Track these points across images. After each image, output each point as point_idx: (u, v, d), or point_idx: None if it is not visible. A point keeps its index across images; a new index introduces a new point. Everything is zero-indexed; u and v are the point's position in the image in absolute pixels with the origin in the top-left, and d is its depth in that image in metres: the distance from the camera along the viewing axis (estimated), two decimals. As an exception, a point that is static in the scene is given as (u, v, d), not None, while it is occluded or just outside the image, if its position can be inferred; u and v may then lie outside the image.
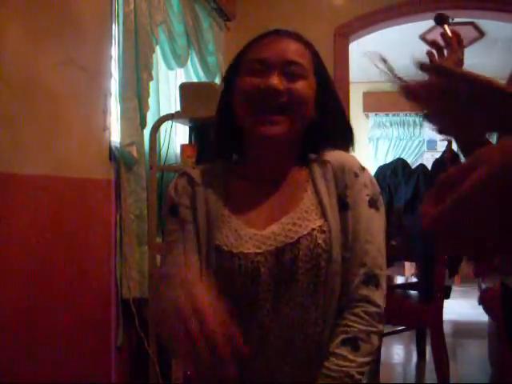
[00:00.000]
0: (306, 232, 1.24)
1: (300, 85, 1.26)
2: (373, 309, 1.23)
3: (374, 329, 1.23)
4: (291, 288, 1.23)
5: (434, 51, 1.48)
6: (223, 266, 1.25)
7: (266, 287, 1.23)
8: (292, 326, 1.23)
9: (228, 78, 1.35)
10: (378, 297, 1.25)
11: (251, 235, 1.26)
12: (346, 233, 1.27)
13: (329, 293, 1.24)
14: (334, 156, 1.34)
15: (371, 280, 1.25)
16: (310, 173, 1.33)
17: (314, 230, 1.24)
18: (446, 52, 1.46)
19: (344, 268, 1.25)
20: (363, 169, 1.34)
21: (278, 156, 1.33)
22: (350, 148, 1.39)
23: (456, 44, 1.47)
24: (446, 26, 1.49)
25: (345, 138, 1.38)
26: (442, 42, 1.47)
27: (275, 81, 1.23)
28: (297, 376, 1.24)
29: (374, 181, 1.35)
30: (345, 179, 1.30)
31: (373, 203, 1.31)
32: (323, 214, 1.27)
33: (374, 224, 1.29)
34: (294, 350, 1.23)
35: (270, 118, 1.23)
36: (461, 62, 1.45)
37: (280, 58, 1.26)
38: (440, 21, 1.55)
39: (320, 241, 1.23)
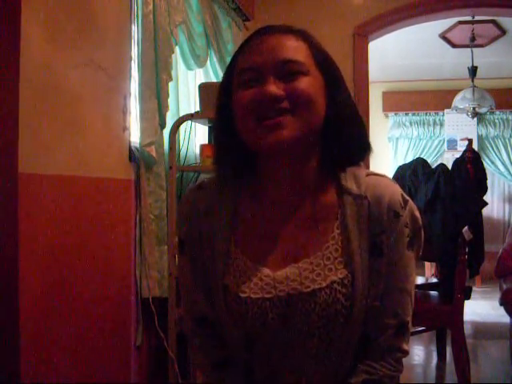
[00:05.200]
0: (324, 284, 1.09)
1: (300, 82, 1.08)
2: (400, 355, 1.17)
3: (398, 373, 1.17)
4: (302, 338, 1.12)
5: None
6: (231, 306, 1.15)
7: (273, 333, 1.13)
8: (303, 372, 1.15)
9: (224, 93, 1.19)
10: (406, 343, 1.17)
11: (262, 277, 1.13)
12: (376, 281, 1.12)
13: (344, 347, 1.14)
14: (370, 186, 1.14)
15: (402, 329, 1.15)
16: (340, 206, 1.14)
17: (334, 282, 1.10)
18: None
19: (370, 316, 1.13)
20: (406, 203, 1.14)
21: (294, 169, 1.14)
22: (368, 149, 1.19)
23: None
24: None
25: (361, 140, 1.18)
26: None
27: (271, 87, 1.07)
28: None
29: (417, 214, 1.16)
30: (382, 221, 1.11)
31: (411, 244, 1.15)
32: (349, 264, 1.11)
33: (409, 268, 1.15)
34: None
35: (273, 122, 1.06)
36: None
37: (271, 60, 1.08)
38: None
39: (340, 296, 1.09)
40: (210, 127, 3.24)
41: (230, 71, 1.17)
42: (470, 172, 3.92)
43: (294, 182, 1.15)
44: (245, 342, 1.17)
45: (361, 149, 1.19)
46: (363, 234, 1.11)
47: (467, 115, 6.57)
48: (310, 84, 1.09)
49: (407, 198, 1.16)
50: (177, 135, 3.07)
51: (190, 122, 3.25)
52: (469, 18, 5.67)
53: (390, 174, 6.66)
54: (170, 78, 2.98)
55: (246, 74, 1.11)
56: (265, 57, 1.09)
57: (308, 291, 1.10)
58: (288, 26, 1.16)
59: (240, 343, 1.18)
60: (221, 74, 3.81)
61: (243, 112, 1.10)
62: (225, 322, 1.17)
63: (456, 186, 3.89)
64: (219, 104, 1.21)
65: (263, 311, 1.11)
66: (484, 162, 4.62)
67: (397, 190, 1.15)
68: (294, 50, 1.11)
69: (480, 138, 7.92)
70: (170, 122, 3.05)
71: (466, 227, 3.66)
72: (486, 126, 7.94)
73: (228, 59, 3.84)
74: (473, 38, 6.13)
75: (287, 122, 1.06)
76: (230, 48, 3.94)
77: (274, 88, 1.07)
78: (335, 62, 1.18)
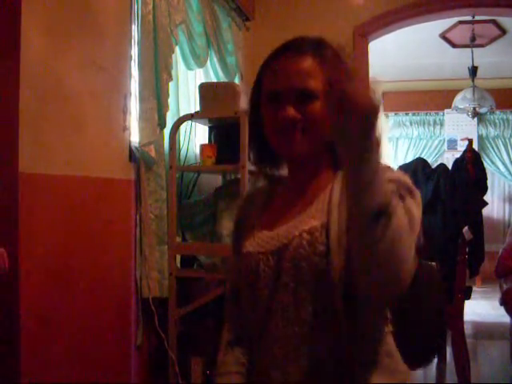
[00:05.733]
0: (297, 233, 1.26)
1: (313, 107, 1.28)
2: None
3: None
4: (278, 288, 1.27)
5: None
6: (240, 267, 1.36)
7: (262, 285, 1.29)
8: (286, 323, 1.26)
9: (253, 102, 1.41)
10: None
11: (260, 236, 1.35)
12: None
13: (330, 313, 1.21)
14: None
15: None
16: (332, 181, 1.33)
17: (307, 230, 1.25)
18: None
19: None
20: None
21: (306, 168, 1.36)
22: None
23: None
24: None
25: None
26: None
27: (289, 112, 1.28)
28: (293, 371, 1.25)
29: (406, 180, 1.22)
30: None
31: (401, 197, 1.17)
32: (326, 215, 1.26)
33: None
34: (292, 346, 1.25)
35: (287, 139, 1.29)
36: None
37: (290, 88, 1.29)
38: None
39: (304, 242, 1.24)
40: (210, 127, 3.24)
41: (257, 83, 1.38)
42: (470, 172, 3.92)
43: (307, 176, 1.37)
44: (251, 303, 1.33)
45: None
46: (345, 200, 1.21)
47: (467, 115, 6.58)
48: (320, 107, 1.28)
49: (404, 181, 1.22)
50: (177, 135, 3.08)
51: (190, 121, 3.25)
52: (469, 18, 5.67)
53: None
54: (170, 78, 2.98)
55: (269, 95, 1.33)
56: (284, 83, 1.30)
57: (286, 242, 1.27)
58: (309, 47, 1.33)
59: (249, 306, 1.34)
60: (221, 74, 3.81)
61: (268, 127, 1.34)
62: (240, 283, 1.37)
63: (456, 185, 3.90)
64: (251, 112, 1.43)
65: (257, 263, 1.30)
66: (484, 162, 4.62)
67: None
68: (311, 75, 1.29)
69: (480, 137, 7.92)
70: (170, 121, 3.05)
71: (466, 227, 3.67)
72: (487, 125, 7.94)
73: (228, 59, 3.86)
74: (473, 38, 6.13)
75: (299, 139, 1.29)
76: (231, 48, 3.94)
77: (292, 112, 1.28)
78: (346, 67, 1.36)
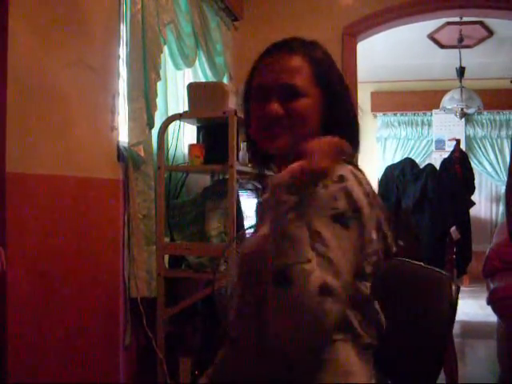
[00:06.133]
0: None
1: (298, 104, 1.30)
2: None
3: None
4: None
5: None
6: None
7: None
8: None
9: (245, 102, 1.44)
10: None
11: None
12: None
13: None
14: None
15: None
16: None
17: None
18: None
19: None
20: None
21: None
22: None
23: None
24: None
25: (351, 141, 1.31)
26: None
27: (273, 108, 1.29)
28: None
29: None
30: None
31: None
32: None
33: None
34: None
35: (270, 134, 1.31)
36: None
37: (275, 83, 1.31)
38: None
39: None
40: (198, 127, 3.24)
41: (249, 81, 1.41)
42: (457, 172, 3.94)
43: None
44: None
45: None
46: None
47: (455, 115, 6.60)
48: (306, 105, 1.30)
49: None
50: (165, 135, 3.07)
51: (178, 121, 3.24)
52: (457, 19, 5.69)
53: (379, 173, 6.68)
54: (159, 78, 2.97)
55: (256, 91, 1.35)
56: (271, 78, 1.32)
57: None
58: (296, 45, 1.35)
59: None
60: (209, 74, 3.81)
61: (253, 123, 1.37)
62: None
63: (444, 185, 3.92)
64: (244, 109, 1.46)
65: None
66: (471, 162, 4.64)
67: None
68: (296, 72, 1.31)
69: (468, 138, 7.96)
70: (158, 121, 3.05)
71: (454, 227, 3.69)
72: (474, 126, 7.98)
73: (217, 59, 3.85)
74: (461, 39, 6.16)
75: (282, 135, 1.30)
76: (219, 48, 3.94)
77: (275, 107, 1.29)
78: (337, 71, 1.39)
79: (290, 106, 1.30)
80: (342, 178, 1.19)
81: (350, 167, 1.24)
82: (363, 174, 1.27)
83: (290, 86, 1.30)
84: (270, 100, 1.31)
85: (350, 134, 1.35)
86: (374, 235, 1.21)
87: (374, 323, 1.31)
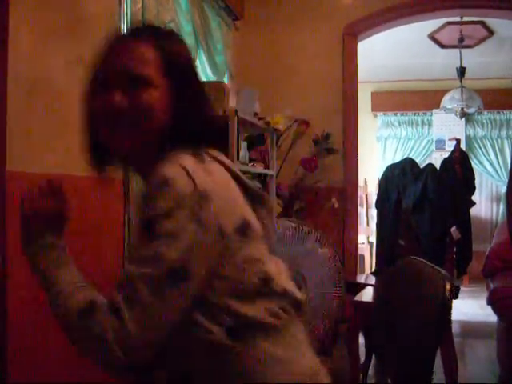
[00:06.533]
0: None
1: (144, 94, 1.14)
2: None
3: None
4: None
5: None
6: None
7: None
8: None
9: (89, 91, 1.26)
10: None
11: None
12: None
13: None
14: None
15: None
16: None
17: None
18: None
19: None
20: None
21: (140, 165, 1.24)
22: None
23: None
24: None
25: (201, 140, 1.19)
26: None
27: (113, 97, 1.14)
28: None
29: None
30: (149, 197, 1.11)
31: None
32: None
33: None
34: None
35: (110, 127, 1.17)
36: None
37: (119, 71, 1.16)
38: None
39: None
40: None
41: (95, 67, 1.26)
42: (457, 172, 3.94)
43: (141, 176, 1.24)
44: None
45: (198, 141, 1.19)
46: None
47: (455, 115, 6.60)
48: (151, 96, 1.15)
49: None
50: (166, 134, 3.07)
51: (178, 120, 3.24)
52: (457, 19, 5.69)
53: (379, 173, 6.68)
54: (159, 77, 2.97)
55: (97, 80, 1.21)
56: (115, 65, 1.18)
57: None
58: (147, 32, 1.22)
59: None
60: (210, 73, 3.81)
61: (92, 117, 1.21)
62: None
63: (444, 185, 3.92)
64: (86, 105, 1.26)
65: None
66: (472, 162, 4.65)
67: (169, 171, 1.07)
68: (143, 60, 1.16)
69: (468, 138, 7.96)
70: (159, 120, 3.04)
71: (454, 227, 3.69)
72: (474, 126, 7.98)
73: (217, 58, 3.85)
74: (461, 39, 6.16)
75: (124, 129, 1.15)
76: (220, 47, 3.94)
77: (118, 97, 1.14)
78: (190, 63, 1.24)
79: (133, 96, 1.14)
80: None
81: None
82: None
83: (134, 74, 1.15)
84: (110, 90, 1.16)
85: (201, 132, 1.20)
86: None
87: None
